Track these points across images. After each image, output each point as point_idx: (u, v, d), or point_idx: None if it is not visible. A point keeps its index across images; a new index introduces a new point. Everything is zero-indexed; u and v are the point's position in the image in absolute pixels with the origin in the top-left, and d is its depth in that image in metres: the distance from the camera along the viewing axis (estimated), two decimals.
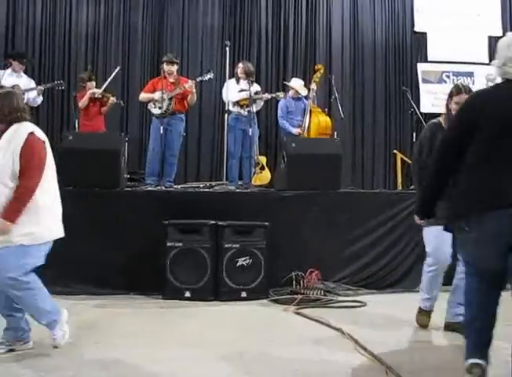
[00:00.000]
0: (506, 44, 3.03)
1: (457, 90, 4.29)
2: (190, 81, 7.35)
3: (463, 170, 2.93)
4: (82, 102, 7.58)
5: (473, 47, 10.88)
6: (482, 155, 2.87)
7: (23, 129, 3.56)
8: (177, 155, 7.55)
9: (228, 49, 7.88)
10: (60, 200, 3.76)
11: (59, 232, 3.70)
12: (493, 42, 11.04)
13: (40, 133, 3.64)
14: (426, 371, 3.33)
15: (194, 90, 7.34)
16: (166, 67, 7.45)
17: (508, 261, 2.77)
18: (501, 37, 9.95)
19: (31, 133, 3.55)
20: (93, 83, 7.77)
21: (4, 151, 3.47)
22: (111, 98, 7.65)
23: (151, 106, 7.36)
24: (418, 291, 5.84)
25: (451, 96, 4.32)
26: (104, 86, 7.75)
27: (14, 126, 3.56)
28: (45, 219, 3.58)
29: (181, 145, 7.97)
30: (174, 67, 7.52)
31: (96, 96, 7.60)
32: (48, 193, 3.62)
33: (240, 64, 7.96)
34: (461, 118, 3.06)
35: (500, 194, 2.77)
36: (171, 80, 7.41)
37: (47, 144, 3.67)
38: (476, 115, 2.92)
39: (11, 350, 3.62)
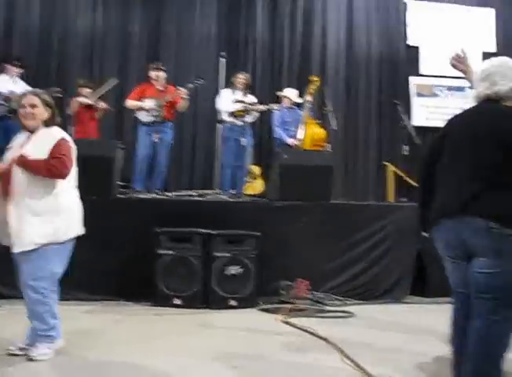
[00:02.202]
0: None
1: None
2: (182, 88, 7.38)
3: None
4: (72, 109, 7.54)
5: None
6: (439, 175, 3.08)
7: (56, 132, 3.71)
8: (166, 164, 7.57)
9: (223, 59, 7.94)
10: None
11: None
12: (487, 57, 11.11)
13: (70, 139, 3.77)
14: None
15: (186, 97, 7.38)
16: (152, 73, 7.46)
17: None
18: (495, 53, 10.12)
19: (63, 138, 3.69)
20: (87, 90, 7.76)
21: (37, 150, 3.60)
22: (102, 104, 7.68)
23: (139, 113, 7.36)
24: (405, 302, 5.98)
25: None
26: (98, 94, 7.75)
27: (46, 129, 3.69)
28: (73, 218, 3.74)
29: (174, 153, 8.02)
30: (161, 74, 7.50)
31: (87, 103, 7.62)
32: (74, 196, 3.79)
33: (241, 75, 8.01)
34: (432, 140, 3.25)
35: (437, 210, 3.02)
36: (159, 87, 7.41)
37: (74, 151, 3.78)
38: (443, 136, 3.12)
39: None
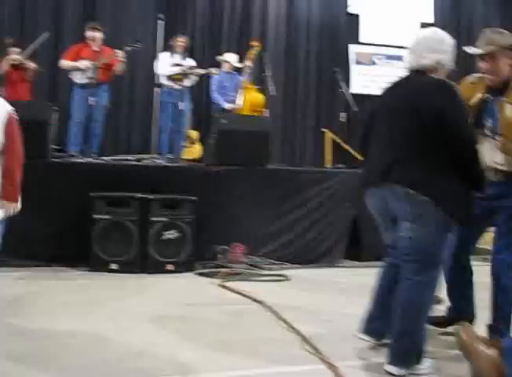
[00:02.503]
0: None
1: None
2: (119, 51, 7.22)
3: None
4: (1, 69, 7.27)
5: (404, 31, 11.14)
6: (370, 144, 3.25)
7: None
8: (101, 127, 7.44)
9: (160, 21, 7.78)
10: None
11: None
12: (425, 28, 11.33)
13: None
14: (342, 342, 3.46)
15: (123, 60, 7.21)
16: (89, 33, 7.27)
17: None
18: (432, 24, 10.28)
19: (12, 113, 3.44)
20: (16, 50, 7.45)
21: None
22: (30, 64, 7.41)
23: (74, 74, 7.18)
24: (339, 266, 6.12)
25: None
26: (28, 52, 7.46)
27: None
28: None
29: (111, 117, 7.88)
30: (98, 34, 7.31)
31: (16, 63, 7.33)
32: None
33: (180, 38, 7.89)
34: (369, 109, 3.38)
35: (365, 177, 3.25)
36: (95, 48, 7.22)
37: None
38: (375, 107, 3.31)
39: None
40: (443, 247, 3.03)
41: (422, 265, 2.95)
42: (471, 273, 3.63)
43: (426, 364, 3.00)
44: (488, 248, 3.51)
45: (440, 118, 2.85)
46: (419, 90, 3.00)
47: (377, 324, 3.33)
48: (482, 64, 3.30)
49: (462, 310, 3.59)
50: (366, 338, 3.35)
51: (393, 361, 2.97)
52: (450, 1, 11.77)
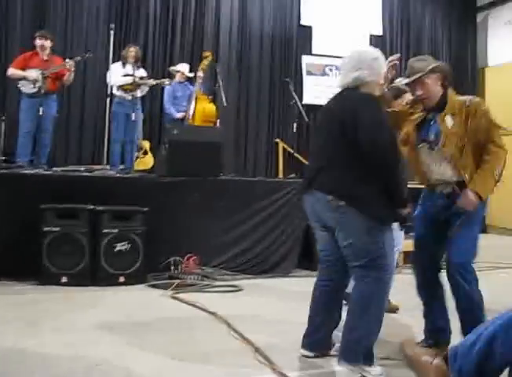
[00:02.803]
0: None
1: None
2: (69, 59, 7.13)
3: None
4: None
5: (355, 43, 11.33)
6: None
7: None
8: (50, 137, 7.32)
9: (112, 32, 7.73)
10: None
11: None
12: (373, 40, 11.60)
13: None
14: (295, 352, 3.48)
15: (73, 69, 7.14)
16: (38, 41, 7.14)
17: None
18: (381, 36, 10.54)
19: None
20: None
21: None
22: None
23: (22, 84, 7.05)
24: (292, 276, 6.15)
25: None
26: None
27: None
28: None
29: (62, 127, 7.76)
30: (47, 43, 7.19)
31: None
32: None
33: (132, 49, 7.87)
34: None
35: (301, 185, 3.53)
36: (44, 57, 7.11)
37: None
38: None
39: None
40: (385, 248, 3.12)
41: (367, 268, 3.10)
42: (443, 290, 3.67)
43: (377, 369, 3.08)
44: None
45: (353, 127, 3.05)
46: (344, 105, 3.23)
47: (316, 337, 3.43)
48: (416, 92, 3.50)
49: (441, 330, 3.62)
50: (309, 353, 3.44)
51: (342, 357, 3.11)
52: (398, 14, 12.05)
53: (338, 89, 3.39)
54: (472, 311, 3.35)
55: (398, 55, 4.37)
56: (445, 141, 3.41)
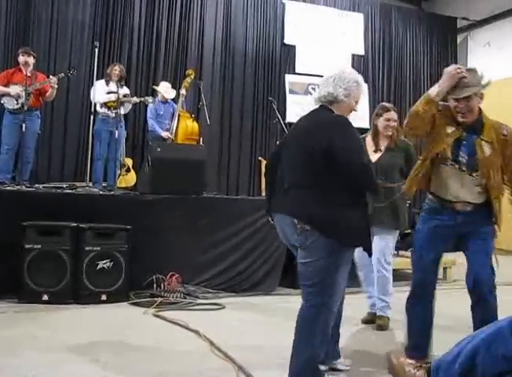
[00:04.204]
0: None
1: (385, 109, 4.85)
2: (52, 76, 7.14)
3: None
4: None
5: (337, 63, 11.46)
6: None
7: None
8: (33, 154, 7.30)
9: (97, 49, 7.75)
10: None
11: None
12: (356, 59, 11.75)
13: None
14: (277, 370, 3.47)
15: (56, 86, 7.15)
16: (21, 58, 7.13)
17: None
18: (363, 56, 10.68)
19: None
20: None
21: None
22: None
23: (5, 100, 7.02)
24: (275, 294, 6.15)
25: (379, 114, 4.83)
26: None
27: None
28: None
29: (44, 144, 7.74)
30: (31, 59, 7.17)
31: None
32: None
33: (116, 67, 7.92)
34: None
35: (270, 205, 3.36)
36: (28, 74, 7.04)
37: None
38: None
39: None
40: (338, 275, 3.06)
41: (313, 290, 3.05)
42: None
43: None
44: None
45: (329, 153, 2.99)
46: (315, 124, 3.18)
47: None
48: (457, 104, 3.44)
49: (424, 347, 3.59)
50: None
51: None
52: (380, 34, 12.23)
53: (314, 105, 3.36)
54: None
55: (394, 125, 4.41)
56: (482, 169, 3.44)
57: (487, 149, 3.43)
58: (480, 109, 3.50)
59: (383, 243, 4.80)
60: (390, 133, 4.76)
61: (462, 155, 3.48)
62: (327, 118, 3.18)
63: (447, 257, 7.84)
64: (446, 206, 3.54)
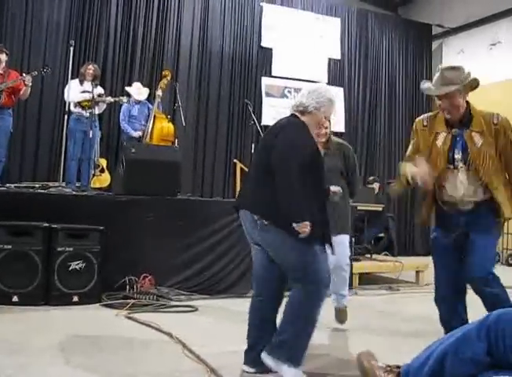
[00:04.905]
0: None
1: None
2: (25, 74, 7.05)
3: None
4: None
5: (314, 66, 11.52)
6: None
7: None
8: (5, 153, 7.20)
9: (72, 48, 7.68)
10: None
11: None
12: (332, 63, 11.81)
13: None
14: (248, 373, 3.50)
15: (30, 84, 7.05)
16: None
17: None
18: (339, 60, 10.76)
19: None
20: None
21: None
22: None
23: None
24: (248, 297, 6.13)
25: None
26: None
27: None
28: None
29: (17, 143, 7.63)
30: (3, 56, 7.06)
31: None
32: None
33: (91, 66, 7.86)
34: None
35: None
36: (0, 71, 6.99)
37: None
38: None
39: None
40: (315, 263, 3.24)
41: (299, 281, 3.24)
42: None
43: (295, 373, 3.19)
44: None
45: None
46: (277, 129, 3.40)
47: (252, 354, 3.48)
48: (441, 103, 3.48)
49: None
50: (250, 369, 3.49)
51: (267, 349, 3.26)
52: (357, 39, 12.31)
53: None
54: None
55: (326, 131, 4.51)
56: (475, 160, 3.41)
57: (477, 139, 3.43)
58: (468, 103, 3.50)
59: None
60: (324, 140, 4.69)
61: (456, 151, 3.49)
62: (286, 121, 3.42)
63: (420, 260, 7.98)
64: (448, 210, 3.54)
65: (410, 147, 3.82)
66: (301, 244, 3.17)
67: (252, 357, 3.47)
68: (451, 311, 3.61)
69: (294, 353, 3.22)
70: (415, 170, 3.47)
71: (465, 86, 3.45)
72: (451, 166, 3.50)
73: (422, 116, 3.76)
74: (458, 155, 3.48)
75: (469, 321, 3.40)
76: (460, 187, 3.49)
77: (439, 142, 3.53)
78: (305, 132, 3.35)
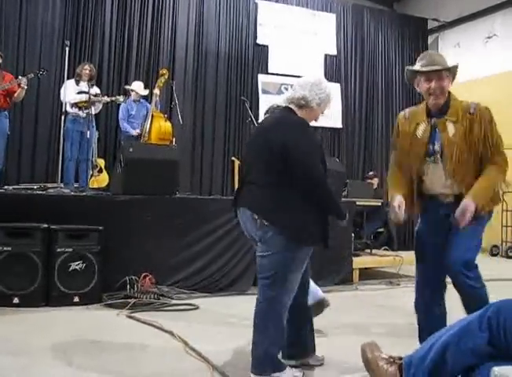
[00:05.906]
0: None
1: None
2: (21, 77, 7.04)
3: None
4: None
5: (310, 62, 11.51)
6: None
7: None
8: (2, 155, 7.20)
9: (67, 49, 7.67)
10: None
11: None
12: (328, 59, 11.81)
13: None
14: (250, 370, 3.50)
15: (26, 87, 7.04)
16: None
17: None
18: (335, 55, 10.77)
19: None
20: None
21: None
22: None
23: None
24: (249, 294, 6.14)
25: None
26: None
27: None
28: None
29: (14, 145, 7.62)
30: None
31: None
32: None
33: (86, 66, 7.85)
34: None
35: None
36: None
37: None
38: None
39: None
40: (293, 269, 3.20)
41: (267, 282, 3.21)
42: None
43: (289, 372, 3.23)
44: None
45: (284, 152, 3.13)
46: (275, 124, 3.36)
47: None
48: (430, 83, 3.35)
49: None
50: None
51: (252, 369, 3.23)
52: (352, 34, 12.31)
53: (282, 104, 3.47)
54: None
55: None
56: (444, 150, 3.33)
57: (450, 128, 3.32)
58: (449, 92, 3.41)
59: None
60: None
61: (435, 143, 3.39)
62: (288, 118, 3.33)
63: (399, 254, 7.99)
64: (432, 201, 3.49)
65: (392, 157, 3.73)
66: (293, 252, 3.17)
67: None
68: (430, 299, 3.64)
69: (276, 358, 3.24)
70: (394, 203, 3.43)
71: (450, 72, 3.39)
72: (430, 159, 3.41)
73: (404, 110, 3.68)
74: (435, 146, 3.39)
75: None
76: (438, 181, 3.42)
77: (419, 133, 3.45)
78: (310, 132, 3.34)
